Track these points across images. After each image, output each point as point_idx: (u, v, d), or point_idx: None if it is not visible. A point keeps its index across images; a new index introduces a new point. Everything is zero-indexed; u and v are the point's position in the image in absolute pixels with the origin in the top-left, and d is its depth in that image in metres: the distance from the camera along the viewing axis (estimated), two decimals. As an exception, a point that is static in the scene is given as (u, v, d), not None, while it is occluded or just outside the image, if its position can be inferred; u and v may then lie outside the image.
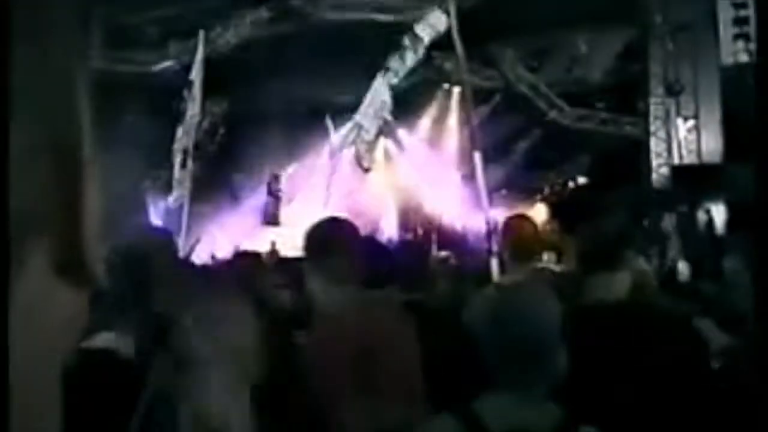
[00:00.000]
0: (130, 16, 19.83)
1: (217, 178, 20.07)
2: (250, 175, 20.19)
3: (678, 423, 2.73)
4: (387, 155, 22.01)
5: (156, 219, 19.98)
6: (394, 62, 19.12)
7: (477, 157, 7.88)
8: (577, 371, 2.56)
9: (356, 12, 19.52)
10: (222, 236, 19.27)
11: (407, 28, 18.96)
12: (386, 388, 2.91)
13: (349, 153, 21.84)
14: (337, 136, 21.76)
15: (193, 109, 17.55)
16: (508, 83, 20.13)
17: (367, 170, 20.87)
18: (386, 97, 19.37)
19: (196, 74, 17.31)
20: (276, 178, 19.94)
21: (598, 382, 2.81)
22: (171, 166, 19.07)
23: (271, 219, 19.08)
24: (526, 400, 2.23)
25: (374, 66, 19.06)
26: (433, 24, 18.11)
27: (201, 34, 17.10)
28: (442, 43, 17.88)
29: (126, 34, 20.36)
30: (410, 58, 19.10)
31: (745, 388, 2.77)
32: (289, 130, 19.99)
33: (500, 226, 4.53)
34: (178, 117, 18.16)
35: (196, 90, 17.51)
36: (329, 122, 20.89)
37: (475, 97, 9.98)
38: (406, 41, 18.84)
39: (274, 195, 19.36)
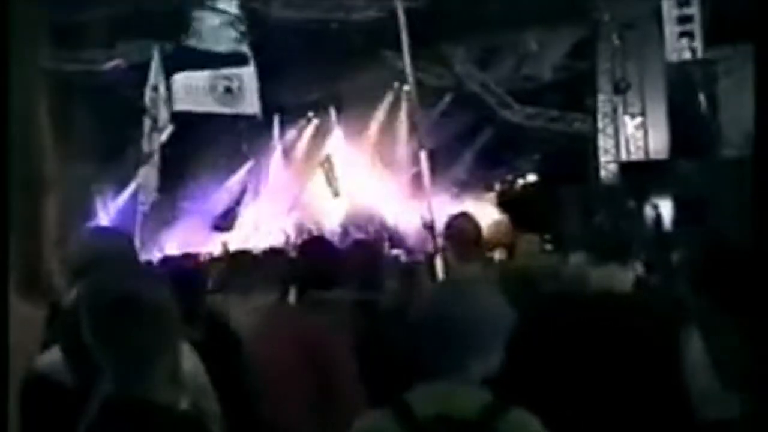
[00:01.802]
0: (78, 14, 19.52)
1: (167, 180, 19.88)
2: (200, 177, 19.99)
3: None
4: (339, 154, 21.98)
5: (106, 221, 19.74)
6: None
7: (423, 156, 7.89)
8: (580, 361, 2.63)
9: (308, 11, 19.47)
10: (172, 238, 19.10)
11: (360, 28, 18.99)
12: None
13: (307, 154, 21.84)
14: (293, 137, 21.74)
15: (163, 112, 17.62)
16: (459, 81, 20.20)
17: (336, 195, 20.87)
18: None
19: (154, 77, 17.35)
20: (244, 189, 19.91)
21: (605, 372, 2.89)
22: (123, 168, 18.95)
23: (226, 225, 18.99)
24: (455, 386, 2.29)
25: (329, 66, 19.06)
26: None
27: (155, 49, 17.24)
28: (393, 42, 17.93)
29: (73, 33, 20.06)
30: None
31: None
32: (241, 131, 19.89)
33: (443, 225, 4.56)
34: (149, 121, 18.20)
35: (161, 94, 17.57)
36: (277, 124, 20.88)
37: (426, 96, 10.00)
38: None
39: (235, 203, 19.27)
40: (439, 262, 4.22)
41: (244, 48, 20.04)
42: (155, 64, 18.80)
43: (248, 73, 18.98)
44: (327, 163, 20.92)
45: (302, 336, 3.11)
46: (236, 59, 19.79)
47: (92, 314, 2.07)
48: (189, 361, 2.77)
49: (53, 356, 2.58)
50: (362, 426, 2.39)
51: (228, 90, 18.74)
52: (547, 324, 3.13)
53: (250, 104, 19.53)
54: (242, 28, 19.77)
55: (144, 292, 2.10)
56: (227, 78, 18.70)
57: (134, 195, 19.67)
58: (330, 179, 20.64)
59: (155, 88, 18.98)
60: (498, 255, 9.50)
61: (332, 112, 21.36)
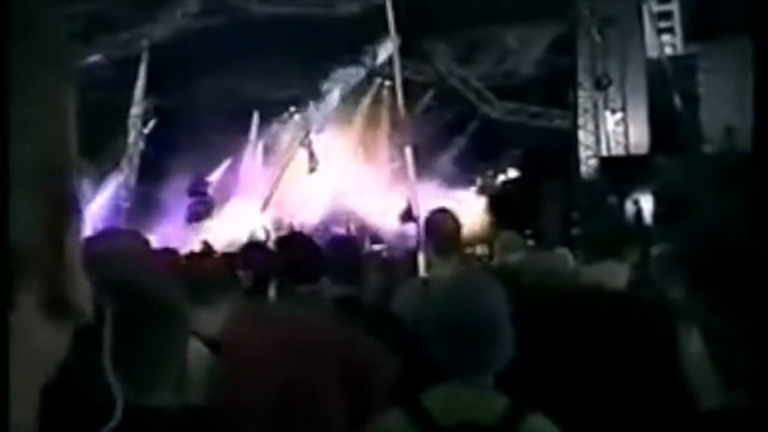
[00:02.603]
0: (56, 9, 19.34)
1: (148, 176, 19.82)
2: (181, 172, 19.90)
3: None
4: (320, 150, 21.95)
5: (88, 218, 19.65)
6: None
7: (408, 151, 7.88)
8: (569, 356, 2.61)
9: (289, 6, 19.41)
10: (154, 233, 19.00)
11: (340, 23, 18.97)
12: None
13: (288, 149, 21.79)
14: (274, 132, 21.68)
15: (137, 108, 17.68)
16: (441, 77, 20.22)
17: (312, 170, 20.85)
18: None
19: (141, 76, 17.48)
20: (201, 179, 19.75)
21: (595, 369, 2.87)
22: (104, 163, 18.87)
23: (196, 218, 18.91)
24: (473, 391, 2.25)
25: (310, 61, 19.04)
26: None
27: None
28: (375, 37, 17.98)
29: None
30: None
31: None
32: (222, 126, 19.80)
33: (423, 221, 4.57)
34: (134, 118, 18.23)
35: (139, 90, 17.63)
36: (256, 119, 20.82)
37: (408, 92, 9.98)
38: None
39: (199, 194, 19.20)
40: (421, 258, 4.22)
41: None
42: (144, 63, 18.82)
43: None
44: (307, 140, 20.96)
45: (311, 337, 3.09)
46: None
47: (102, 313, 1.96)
48: (200, 359, 2.74)
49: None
50: (378, 428, 2.35)
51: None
52: (533, 321, 3.12)
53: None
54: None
55: (152, 289, 2.02)
56: None
57: (115, 191, 19.60)
58: (309, 155, 20.71)
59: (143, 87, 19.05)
60: (479, 250, 9.53)
61: (313, 107, 21.32)
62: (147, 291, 1.98)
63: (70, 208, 0.48)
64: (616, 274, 3.35)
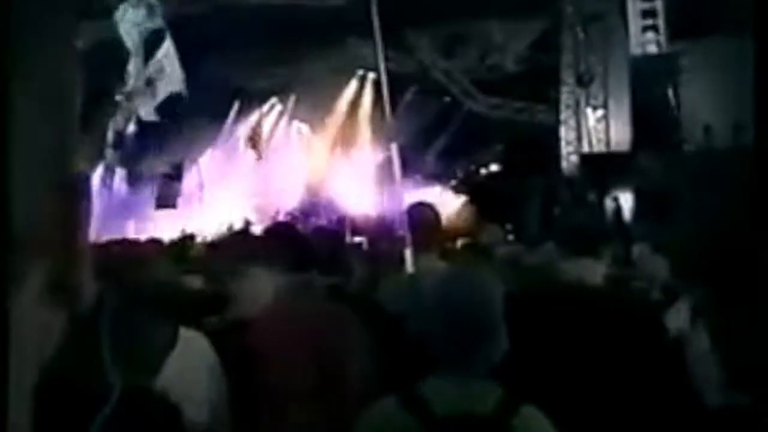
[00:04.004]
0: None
1: (132, 162, 19.76)
2: (164, 160, 19.82)
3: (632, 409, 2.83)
4: (301, 140, 21.94)
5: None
6: None
7: (394, 148, 7.85)
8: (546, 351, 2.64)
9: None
10: (135, 222, 18.94)
11: (328, 12, 18.91)
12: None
13: (267, 138, 21.78)
14: (255, 121, 21.65)
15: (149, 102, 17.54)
16: (424, 71, 20.20)
17: (259, 158, 20.89)
18: None
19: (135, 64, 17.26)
20: (173, 165, 19.57)
21: (569, 361, 2.91)
22: (87, 150, 18.73)
23: (165, 201, 18.76)
24: (468, 381, 2.28)
25: (293, 50, 18.98)
26: None
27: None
28: (357, 28, 17.90)
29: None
30: None
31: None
32: (204, 115, 19.72)
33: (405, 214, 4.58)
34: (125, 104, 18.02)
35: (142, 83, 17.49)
36: (236, 107, 20.77)
37: (392, 85, 9.94)
38: None
39: (168, 176, 19.01)
40: (408, 251, 4.23)
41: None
42: (135, 49, 18.52)
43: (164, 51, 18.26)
44: (257, 128, 21.01)
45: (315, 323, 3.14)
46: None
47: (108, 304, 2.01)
48: (198, 348, 2.76)
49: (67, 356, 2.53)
50: (375, 416, 2.36)
51: (149, 83, 18.30)
52: (525, 315, 3.14)
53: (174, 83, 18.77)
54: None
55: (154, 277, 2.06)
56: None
57: (102, 176, 19.53)
58: (256, 143, 20.74)
59: (137, 77, 18.74)
60: (461, 244, 9.52)
61: (295, 98, 21.28)
62: (148, 279, 2.02)
63: (75, 193, 0.48)
64: (581, 267, 3.37)
